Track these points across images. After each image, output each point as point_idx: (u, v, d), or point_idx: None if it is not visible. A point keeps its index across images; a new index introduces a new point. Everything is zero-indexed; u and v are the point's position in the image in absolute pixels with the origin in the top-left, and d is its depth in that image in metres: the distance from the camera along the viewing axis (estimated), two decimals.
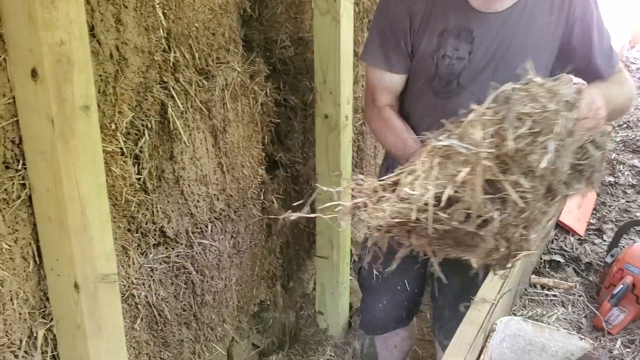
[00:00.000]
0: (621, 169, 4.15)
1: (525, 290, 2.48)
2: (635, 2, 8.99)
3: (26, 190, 1.23)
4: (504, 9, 1.56)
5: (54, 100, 1.11)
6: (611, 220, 3.42)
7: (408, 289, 1.99)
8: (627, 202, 3.69)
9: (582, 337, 1.71)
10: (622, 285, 2.30)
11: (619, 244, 2.73)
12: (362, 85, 2.65)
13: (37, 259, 1.29)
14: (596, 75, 1.65)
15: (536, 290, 2.43)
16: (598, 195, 3.74)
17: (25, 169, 1.21)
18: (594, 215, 3.49)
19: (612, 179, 4.01)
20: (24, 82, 1.12)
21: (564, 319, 2.31)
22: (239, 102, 1.87)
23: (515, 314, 2.26)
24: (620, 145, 4.58)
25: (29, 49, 1.09)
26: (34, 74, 1.10)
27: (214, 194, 1.86)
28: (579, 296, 2.54)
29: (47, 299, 1.33)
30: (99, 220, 1.26)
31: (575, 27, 1.60)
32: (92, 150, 1.21)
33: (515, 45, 1.58)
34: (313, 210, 2.37)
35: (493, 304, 1.70)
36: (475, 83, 1.60)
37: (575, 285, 2.50)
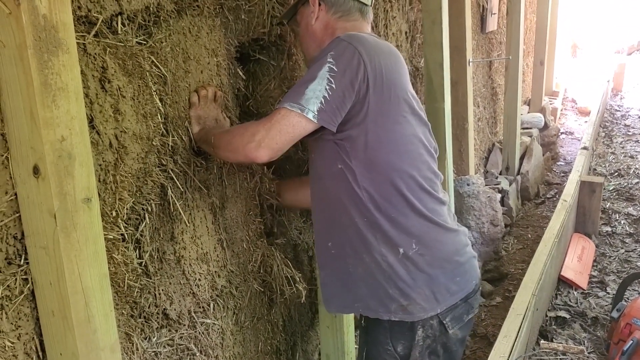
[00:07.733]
0: (617, 218, 4.16)
1: (534, 349, 2.44)
2: (616, 52, 9.23)
3: (29, 285, 1.22)
4: None
5: (55, 195, 1.12)
6: (612, 272, 3.40)
7: None
8: (626, 251, 3.69)
9: None
10: (631, 341, 2.28)
11: (624, 297, 2.71)
12: None
13: (40, 353, 1.27)
14: None
15: (544, 350, 2.39)
16: (597, 246, 3.74)
17: (27, 263, 1.21)
18: (595, 267, 3.48)
19: (609, 228, 4.02)
20: (26, 178, 1.13)
21: None
22: (236, 178, 1.89)
23: None
24: (614, 194, 4.61)
25: (31, 147, 1.10)
26: (35, 170, 1.11)
27: (215, 271, 1.85)
28: (590, 353, 2.51)
29: None
30: (102, 311, 1.24)
31: None
32: (94, 242, 1.21)
33: None
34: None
35: None
36: None
37: (584, 343, 2.46)
